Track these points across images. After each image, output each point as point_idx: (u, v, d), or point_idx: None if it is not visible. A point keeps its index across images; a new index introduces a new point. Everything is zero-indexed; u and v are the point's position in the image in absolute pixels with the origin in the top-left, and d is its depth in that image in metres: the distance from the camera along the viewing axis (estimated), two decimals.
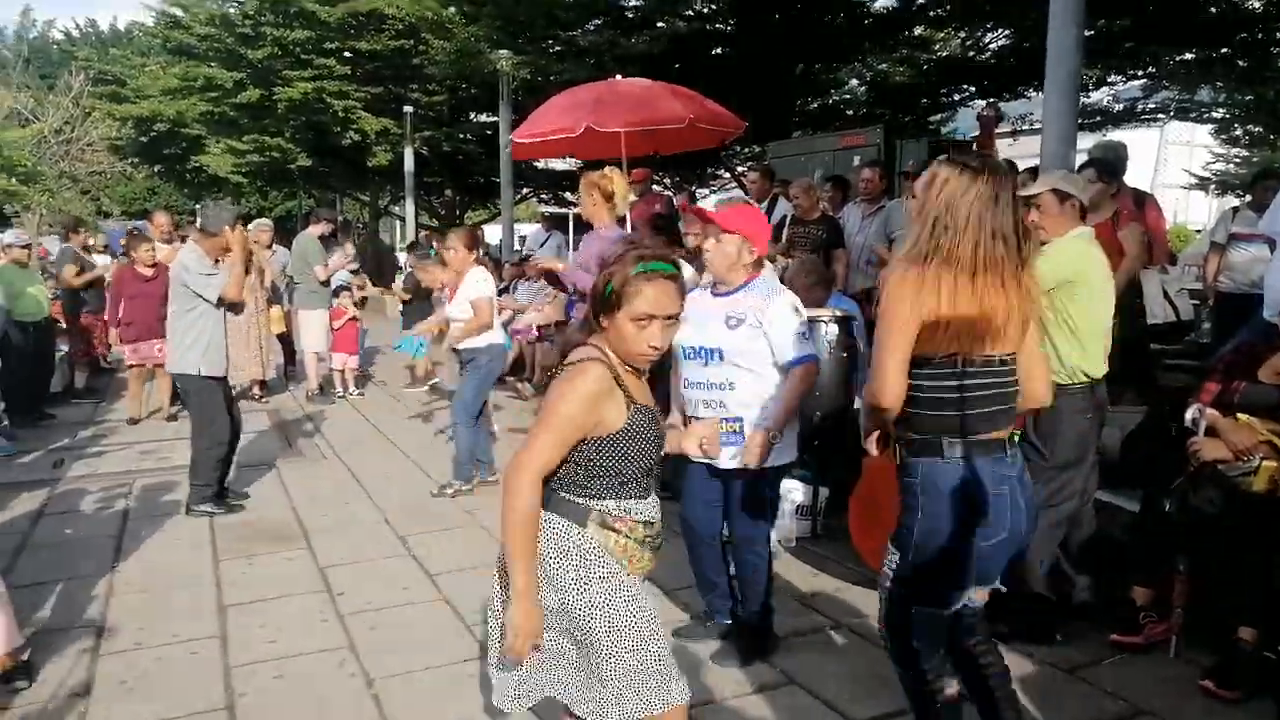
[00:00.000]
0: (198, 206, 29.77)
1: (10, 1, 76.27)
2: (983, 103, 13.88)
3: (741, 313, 3.23)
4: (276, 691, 3.33)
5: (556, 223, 12.08)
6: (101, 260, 11.06)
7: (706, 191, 19.08)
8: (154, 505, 5.62)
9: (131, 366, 8.06)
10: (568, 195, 21.82)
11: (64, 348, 9.06)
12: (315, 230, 9.11)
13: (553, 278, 6.16)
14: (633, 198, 8.87)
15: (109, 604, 4.13)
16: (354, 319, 9.37)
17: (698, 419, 3.23)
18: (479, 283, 5.71)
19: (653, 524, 2.20)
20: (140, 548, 4.87)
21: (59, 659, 3.58)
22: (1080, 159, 5.06)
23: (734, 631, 3.61)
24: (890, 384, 2.27)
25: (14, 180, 21.13)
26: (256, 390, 8.90)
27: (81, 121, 26.55)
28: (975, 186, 2.25)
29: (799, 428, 3.43)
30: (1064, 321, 3.40)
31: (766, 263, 3.48)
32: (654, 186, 10.28)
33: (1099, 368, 3.48)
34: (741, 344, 3.22)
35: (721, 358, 3.23)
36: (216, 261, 5.33)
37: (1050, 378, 2.60)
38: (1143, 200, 5.56)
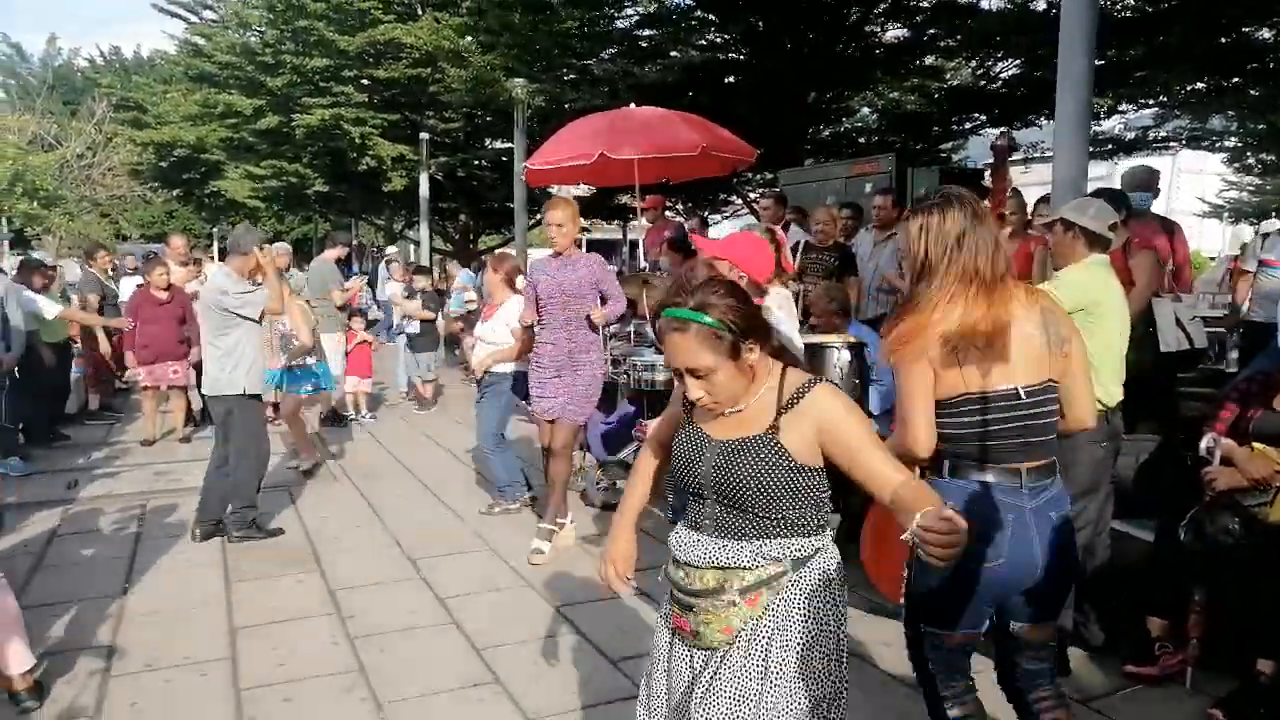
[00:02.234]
0: (214, 230, 30.22)
1: (38, 29, 77.91)
2: (994, 131, 13.95)
3: None
4: (285, 715, 3.33)
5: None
6: (133, 281, 11.01)
7: (719, 218, 19.17)
8: (167, 527, 5.65)
9: (146, 389, 8.12)
10: (581, 221, 21.96)
11: (79, 370, 9.13)
12: (331, 254, 9.20)
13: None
14: (647, 224, 8.95)
15: (120, 625, 4.14)
16: (366, 342, 9.43)
17: None
18: (515, 308, 5.70)
19: (681, 565, 1.98)
20: (153, 569, 4.89)
21: (70, 680, 3.59)
22: (1091, 187, 5.07)
23: None
24: (922, 436, 2.31)
25: (36, 204, 21.46)
26: (270, 412, 8.93)
27: (103, 146, 26.97)
28: (946, 218, 2.34)
29: None
30: None
31: (775, 290, 3.50)
32: (666, 213, 10.35)
33: (1114, 396, 3.48)
34: None
35: None
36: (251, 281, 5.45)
37: (1094, 401, 2.60)
38: (1172, 229, 5.56)
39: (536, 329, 5.11)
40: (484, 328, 5.85)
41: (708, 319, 1.83)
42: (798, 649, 1.88)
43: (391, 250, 20.26)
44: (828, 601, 1.92)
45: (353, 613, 4.27)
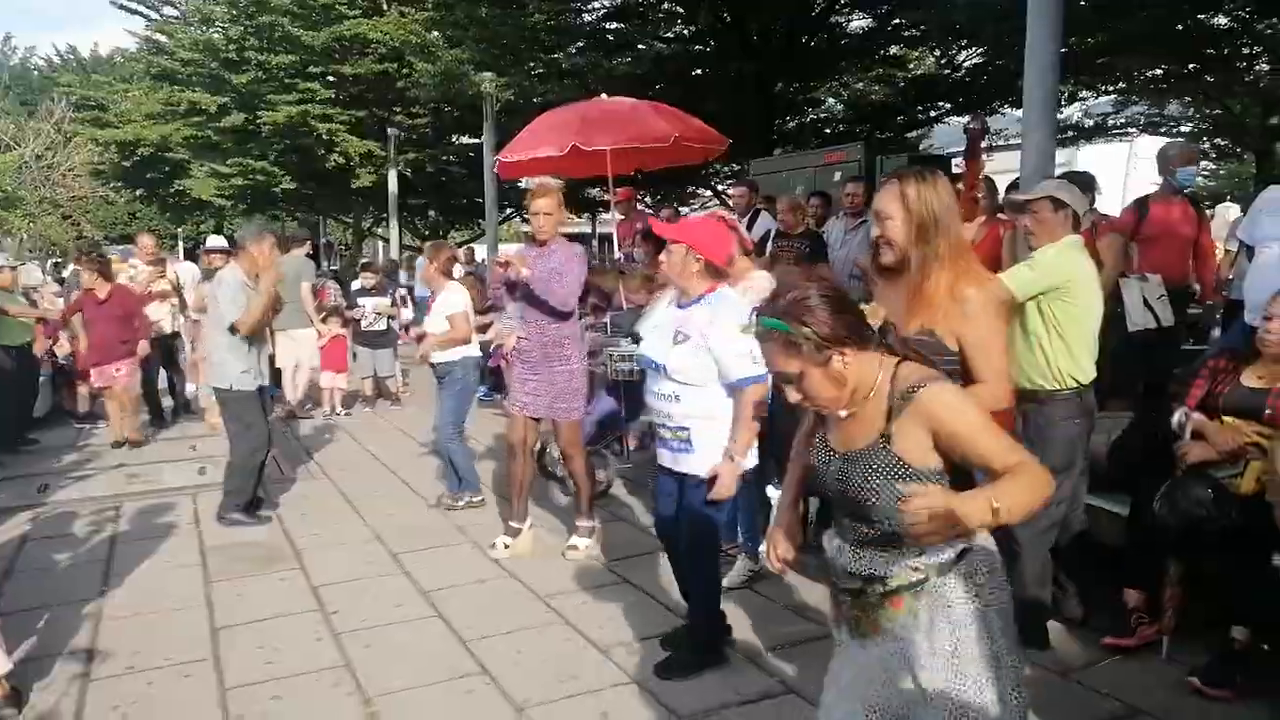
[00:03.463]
0: (179, 230, 29.75)
1: None
2: (959, 119, 14.12)
3: (688, 329, 3.29)
4: (274, 713, 3.31)
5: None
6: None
7: (687, 210, 19.20)
8: (143, 529, 5.57)
9: (103, 389, 7.98)
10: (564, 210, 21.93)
11: (44, 372, 8.95)
12: (300, 250, 9.13)
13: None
14: (619, 216, 8.95)
15: (99, 629, 4.08)
16: (341, 336, 9.36)
17: (656, 428, 3.46)
18: (452, 296, 5.73)
19: (833, 566, 2.02)
20: (130, 571, 4.82)
21: (48, 686, 3.54)
22: (1057, 173, 5.15)
23: (673, 640, 3.64)
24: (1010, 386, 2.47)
25: None
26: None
27: (63, 146, 26.48)
28: (938, 185, 2.46)
29: (771, 434, 3.46)
30: (1053, 327, 3.46)
31: (758, 274, 3.52)
32: (637, 206, 10.36)
33: (1088, 374, 3.54)
34: (683, 360, 3.27)
35: (665, 372, 3.30)
36: (258, 278, 5.53)
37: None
38: (1199, 219, 5.61)
39: (519, 323, 4.89)
40: (427, 320, 5.86)
41: (786, 327, 1.85)
42: (945, 656, 1.85)
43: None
44: (980, 605, 1.87)
45: (336, 608, 4.24)
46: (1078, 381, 3.51)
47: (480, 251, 18.02)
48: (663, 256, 3.41)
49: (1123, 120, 15.72)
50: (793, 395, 1.92)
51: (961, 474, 1.90)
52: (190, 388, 9.32)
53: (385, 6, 18.61)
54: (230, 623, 4.12)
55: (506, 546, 4.89)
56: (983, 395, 2.46)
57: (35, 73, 33.65)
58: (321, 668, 3.63)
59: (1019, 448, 1.86)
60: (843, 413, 1.93)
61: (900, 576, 1.89)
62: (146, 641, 3.93)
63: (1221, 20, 11.20)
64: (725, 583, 3.95)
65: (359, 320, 9.46)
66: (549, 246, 4.77)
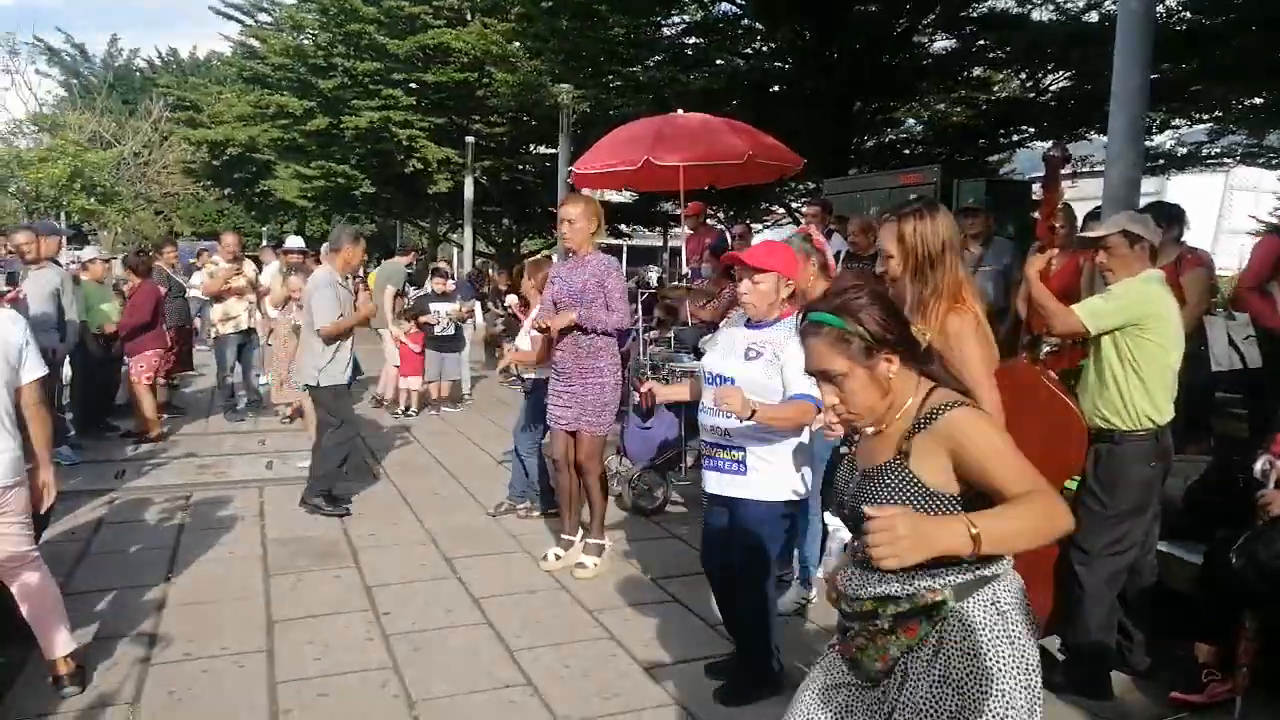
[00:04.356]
0: (265, 229, 30.76)
1: (100, 29, 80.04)
2: (1042, 144, 13.75)
3: (762, 345, 3.25)
4: (320, 709, 3.37)
5: (609, 253, 12.19)
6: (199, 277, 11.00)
7: (760, 226, 19.11)
8: (209, 519, 5.74)
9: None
10: (622, 227, 22.03)
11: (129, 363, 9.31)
12: (402, 260, 9.42)
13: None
14: (688, 230, 8.95)
15: (162, 615, 4.21)
16: (415, 337, 9.59)
17: (707, 449, 3.37)
18: None
19: (845, 592, 1.88)
20: (195, 560, 4.97)
21: (111, 667, 3.67)
22: (1142, 203, 4.97)
23: (719, 669, 3.59)
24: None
25: (93, 200, 22.04)
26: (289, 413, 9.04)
27: (159, 145, 27.63)
28: (941, 220, 2.57)
29: (810, 465, 3.38)
30: (1129, 364, 3.33)
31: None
32: (707, 220, 10.34)
33: (1165, 414, 3.39)
34: (755, 376, 3.21)
35: (732, 385, 3.23)
36: (347, 279, 5.94)
37: None
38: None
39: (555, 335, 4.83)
40: (519, 336, 5.95)
41: (840, 321, 1.79)
42: (962, 687, 1.72)
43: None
44: (1000, 635, 1.74)
45: (388, 609, 4.30)
46: (1154, 422, 3.37)
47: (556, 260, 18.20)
48: (745, 286, 3.30)
49: (1218, 150, 15.10)
50: (829, 398, 1.85)
51: (987, 503, 1.76)
52: (263, 381, 9.59)
53: (469, 17, 18.98)
54: (286, 616, 4.21)
55: (558, 558, 4.90)
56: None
57: (138, 73, 35.14)
58: (369, 668, 3.68)
59: (1039, 478, 1.73)
60: (871, 429, 1.86)
61: (915, 599, 1.77)
62: (205, 629, 4.04)
63: None
64: (779, 608, 3.88)
65: (433, 325, 9.64)
66: (582, 259, 4.70)
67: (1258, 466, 3.35)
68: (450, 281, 10.31)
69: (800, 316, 1.91)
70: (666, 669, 3.69)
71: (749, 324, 3.37)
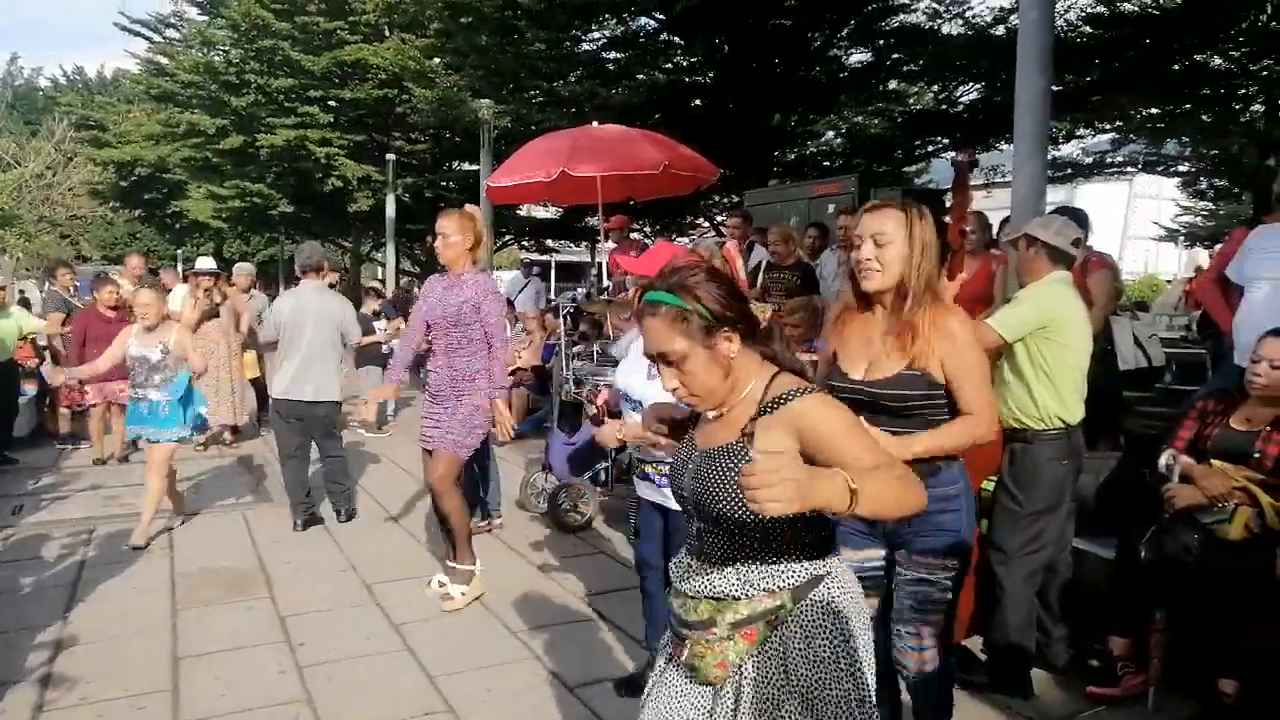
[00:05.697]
0: (179, 252, 29.83)
1: None
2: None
3: None
4: None
5: (536, 269, 12.11)
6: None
7: (685, 240, 19.22)
8: (114, 553, 5.45)
9: (93, 405, 7.90)
10: (548, 242, 21.94)
11: (29, 391, 8.87)
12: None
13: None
14: (611, 244, 8.92)
15: (56, 656, 3.96)
16: None
17: (637, 464, 3.34)
18: None
19: (678, 594, 1.87)
20: (96, 596, 4.70)
21: (1, 714, 3.42)
22: (1049, 209, 5.11)
23: (629, 685, 3.54)
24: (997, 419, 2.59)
25: None
26: (228, 435, 8.76)
27: (63, 166, 26.58)
28: (929, 219, 2.45)
29: None
30: (1039, 366, 3.39)
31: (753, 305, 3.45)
32: (632, 235, 10.34)
33: (1075, 414, 3.45)
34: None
35: (642, 408, 3.20)
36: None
37: None
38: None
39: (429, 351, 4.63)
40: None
41: (677, 300, 1.76)
42: (802, 694, 1.72)
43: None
44: (838, 638, 1.75)
45: (303, 640, 4.13)
46: (1065, 421, 3.43)
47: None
48: (633, 291, 3.30)
49: (1120, 158, 15.77)
50: (670, 381, 1.80)
51: None
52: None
53: (386, 33, 18.74)
54: (193, 652, 4.00)
55: (441, 584, 4.65)
56: (971, 427, 2.45)
57: (40, 93, 33.81)
58: (280, 702, 3.52)
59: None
60: (712, 413, 1.84)
61: (753, 603, 1.75)
62: (106, 670, 3.81)
63: (1218, 61, 11.27)
64: None
65: (382, 344, 9.45)
66: (461, 278, 4.43)
67: (1162, 461, 3.43)
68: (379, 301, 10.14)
69: (636, 297, 1.87)
70: (593, 689, 3.61)
71: None
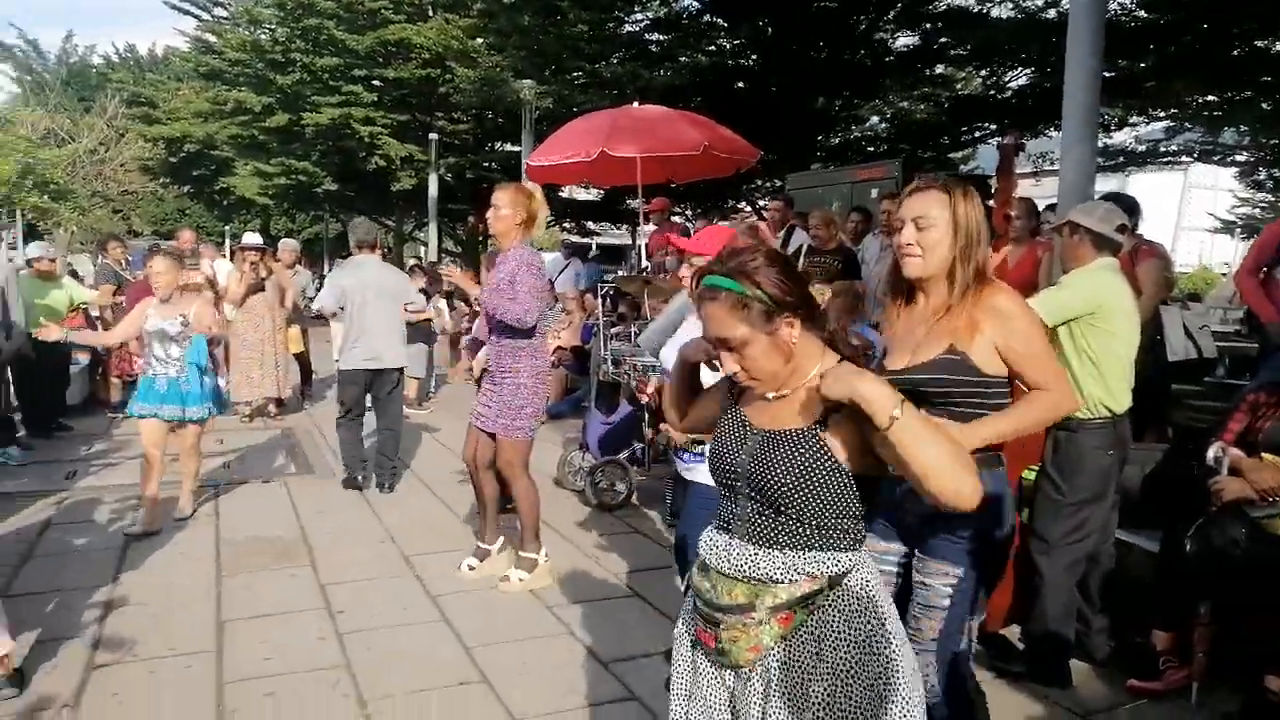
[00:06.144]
0: (226, 228, 30.29)
1: (55, 25, 78.44)
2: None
3: None
4: (266, 709, 3.27)
5: (577, 250, 12.11)
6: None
7: (726, 224, 19.12)
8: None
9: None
10: (589, 224, 21.95)
11: (81, 360, 9.08)
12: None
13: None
14: (652, 227, 8.90)
15: (107, 616, 4.08)
16: None
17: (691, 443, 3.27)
18: None
19: (710, 573, 1.83)
20: (145, 561, 4.83)
21: (52, 669, 3.54)
22: (1098, 196, 5.00)
23: None
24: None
25: (45, 197, 21.53)
26: (272, 408, 8.92)
27: (115, 142, 27.08)
28: (978, 201, 2.35)
29: None
30: (1085, 353, 3.33)
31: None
32: (673, 218, 10.31)
33: (1122, 403, 3.40)
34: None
35: None
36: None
37: None
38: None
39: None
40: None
41: (737, 285, 1.72)
42: (836, 677, 1.71)
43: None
44: (871, 623, 1.74)
45: (342, 608, 4.21)
46: (1111, 411, 3.37)
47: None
48: (684, 271, 3.31)
49: (1175, 147, 15.34)
50: (729, 365, 1.78)
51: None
52: (221, 382, 9.38)
53: (430, 12, 18.81)
54: (236, 616, 4.10)
55: (472, 568, 4.65)
56: (1051, 399, 2.36)
57: (93, 70, 34.39)
58: (320, 667, 3.59)
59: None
60: (771, 395, 1.81)
61: (792, 588, 1.74)
62: (153, 631, 3.92)
63: (1279, 46, 10.92)
64: None
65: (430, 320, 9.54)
66: (505, 254, 4.40)
67: (1211, 453, 3.37)
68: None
69: (695, 282, 1.84)
70: (626, 664, 3.64)
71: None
